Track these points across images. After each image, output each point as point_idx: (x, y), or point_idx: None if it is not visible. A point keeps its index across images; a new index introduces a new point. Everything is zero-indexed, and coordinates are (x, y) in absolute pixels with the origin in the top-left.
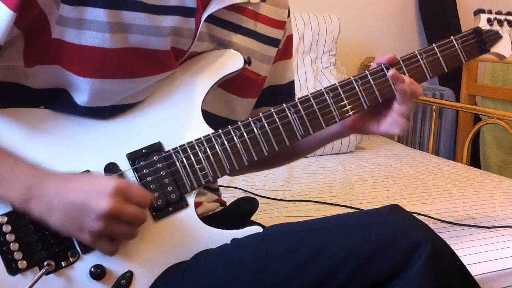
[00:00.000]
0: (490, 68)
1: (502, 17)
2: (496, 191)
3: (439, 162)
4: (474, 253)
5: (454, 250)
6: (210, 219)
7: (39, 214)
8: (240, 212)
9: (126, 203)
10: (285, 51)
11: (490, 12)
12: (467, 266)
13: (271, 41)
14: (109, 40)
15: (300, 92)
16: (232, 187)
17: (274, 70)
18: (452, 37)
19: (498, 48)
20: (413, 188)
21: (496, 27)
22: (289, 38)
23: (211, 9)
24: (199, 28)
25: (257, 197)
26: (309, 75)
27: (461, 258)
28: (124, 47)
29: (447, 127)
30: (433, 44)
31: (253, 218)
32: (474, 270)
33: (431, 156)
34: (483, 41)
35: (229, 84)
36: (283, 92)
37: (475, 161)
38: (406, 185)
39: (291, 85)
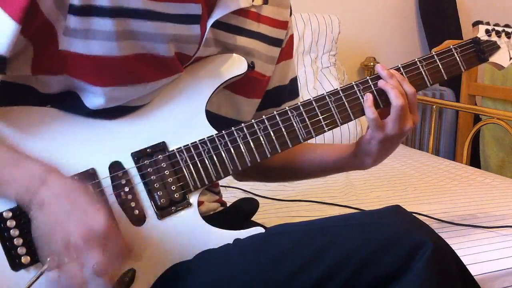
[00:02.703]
0: (490, 68)
1: (500, 29)
2: (496, 191)
3: (439, 162)
4: (474, 253)
5: (454, 250)
6: (211, 219)
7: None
8: (241, 212)
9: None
10: (288, 51)
11: (488, 23)
12: (467, 266)
13: (274, 42)
14: (116, 48)
15: (300, 92)
16: (232, 187)
17: (280, 71)
18: (451, 46)
19: (496, 58)
20: (413, 188)
21: (494, 38)
22: (291, 37)
23: (216, 15)
24: (205, 34)
25: (257, 197)
26: (309, 75)
27: (461, 258)
28: (131, 54)
29: (447, 127)
30: (433, 53)
31: (253, 218)
32: (474, 270)
33: (431, 156)
34: (481, 50)
35: (235, 85)
36: (287, 91)
37: (475, 161)
38: (406, 185)
39: (293, 82)
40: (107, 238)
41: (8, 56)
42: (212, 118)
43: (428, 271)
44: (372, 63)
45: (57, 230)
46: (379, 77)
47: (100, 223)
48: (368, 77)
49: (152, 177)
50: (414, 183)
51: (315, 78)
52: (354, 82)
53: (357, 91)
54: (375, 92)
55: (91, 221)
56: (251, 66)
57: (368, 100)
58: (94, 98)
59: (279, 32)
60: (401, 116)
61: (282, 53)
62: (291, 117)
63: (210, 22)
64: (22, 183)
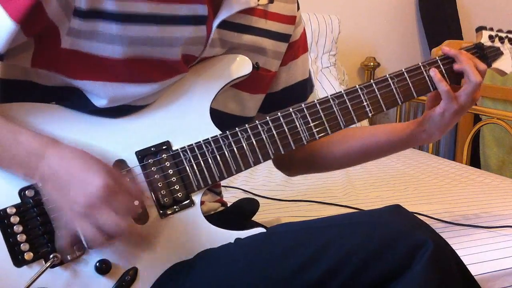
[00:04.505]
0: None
1: (503, 35)
2: (496, 191)
3: (439, 162)
4: (474, 253)
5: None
6: (212, 219)
7: (38, 181)
8: (241, 212)
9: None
10: (304, 44)
11: (491, 29)
12: (467, 266)
13: (282, 37)
14: (120, 51)
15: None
16: (232, 187)
17: (300, 66)
18: None
19: (499, 64)
20: (413, 188)
21: (497, 44)
22: (304, 30)
23: (222, 16)
24: (211, 35)
25: (257, 197)
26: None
27: (461, 258)
28: (136, 58)
29: None
30: (436, 58)
31: (254, 218)
32: (474, 270)
33: (431, 156)
34: (485, 56)
35: (240, 82)
36: (309, 83)
37: (475, 161)
38: (406, 185)
39: (310, 73)
40: (110, 197)
41: (4, 52)
42: (217, 115)
43: (429, 271)
44: (372, 63)
45: (62, 203)
46: (382, 81)
47: (98, 186)
48: (372, 81)
49: (155, 176)
50: (414, 183)
51: (315, 78)
52: (358, 85)
53: (361, 95)
54: (378, 96)
55: (89, 187)
56: (255, 67)
57: (436, 75)
58: (96, 97)
59: (287, 28)
60: (476, 90)
61: (298, 48)
62: (295, 119)
63: (216, 22)
64: (22, 162)
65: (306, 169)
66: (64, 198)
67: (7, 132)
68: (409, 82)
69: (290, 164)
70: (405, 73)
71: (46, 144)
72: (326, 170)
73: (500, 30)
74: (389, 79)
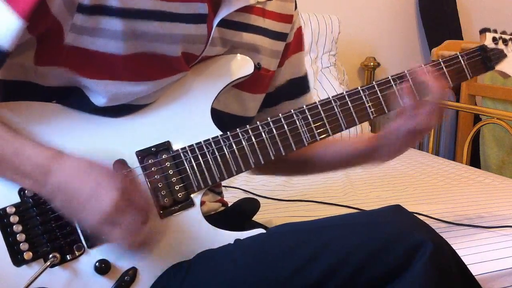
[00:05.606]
0: None
1: (507, 37)
2: (496, 191)
3: (439, 162)
4: (474, 253)
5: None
6: (212, 219)
7: (46, 196)
8: (242, 212)
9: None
10: (298, 43)
11: (495, 31)
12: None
13: (279, 36)
14: (122, 47)
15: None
16: (232, 187)
17: (292, 64)
18: (458, 53)
19: (502, 66)
20: (413, 188)
21: (501, 46)
22: (299, 30)
23: (222, 14)
24: (211, 33)
25: (257, 197)
26: (309, 75)
27: (461, 258)
28: (136, 53)
29: (447, 127)
30: (440, 60)
31: (254, 218)
32: (474, 270)
33: (431, 156)
34: (488, 58)
35: (241, 82)
36: (305, 83)
37: (475, 161)
38: (406, 185)
39: (306, 74)
40: (125, 205)
41: (12, 50)
42: (218, 115)
43: (428, 271)
44: (372, 63)
45: (81, 218)
46: (385, 83)
47: (111, 200)
48: (374, 82)
49: (156, 176)
50: (414, 183)
51: (315, 78)
52: (360, 87)
53: (363, 96)
54: (380, 98)
55: (103, 204)
56: (257, 67)
57: (405, 87)
58: (96, 96)
59: (284, 26)
60: (435, 111)
61: (290, 47)
62: (296, 120)
63: (216, 21)
64: (27, 175)
65: (272, 171)
66: (80, 209)
67: (10, 144)
68: (411, 84)
69: None
70: (407, 74)
71: (50, 157)
72: (288, 174)
73: (504, 32)
74: (391, 80)
